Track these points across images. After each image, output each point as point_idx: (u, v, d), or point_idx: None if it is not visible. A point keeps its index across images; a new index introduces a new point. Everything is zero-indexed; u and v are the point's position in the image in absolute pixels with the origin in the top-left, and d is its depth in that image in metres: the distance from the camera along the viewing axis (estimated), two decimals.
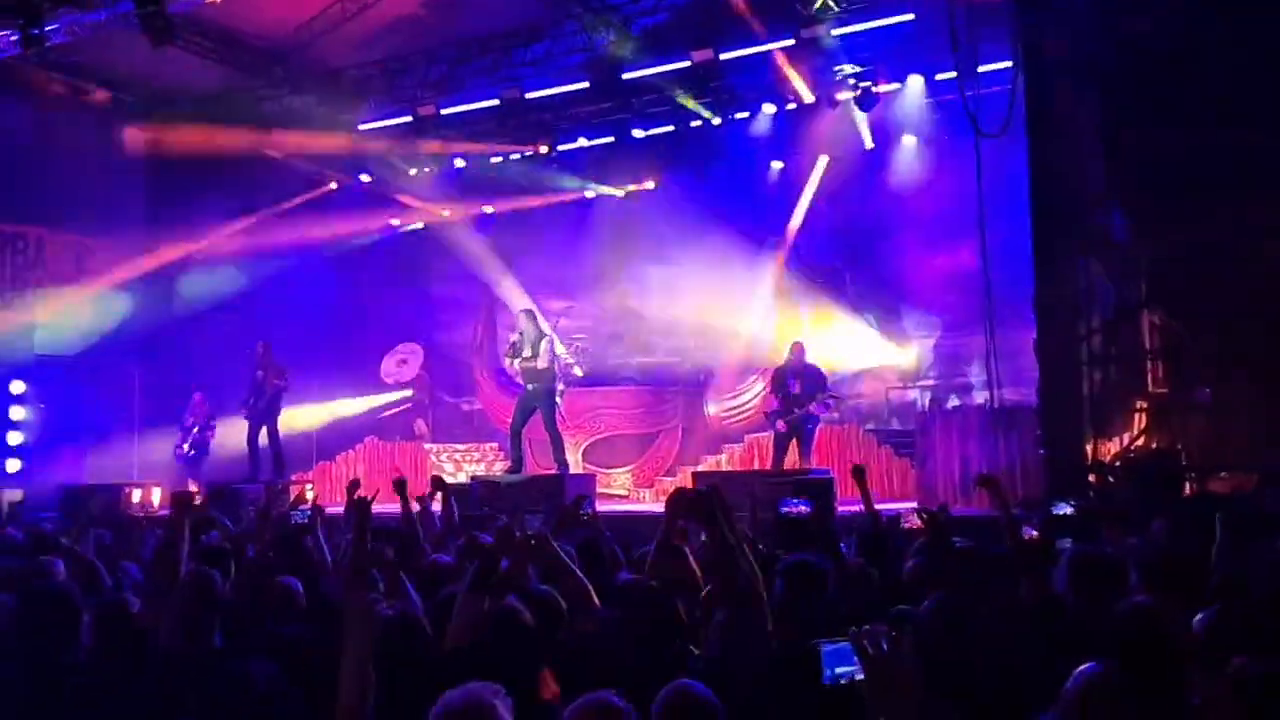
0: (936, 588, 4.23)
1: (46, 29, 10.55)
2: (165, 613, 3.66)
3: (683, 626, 3.69)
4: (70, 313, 13.32)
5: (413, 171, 16.06)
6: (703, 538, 4.22)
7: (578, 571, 4.46)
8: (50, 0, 10.46)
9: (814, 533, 5.11)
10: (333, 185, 16.12)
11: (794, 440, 11.05)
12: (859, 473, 6.33)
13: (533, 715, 2.79)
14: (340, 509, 7.85)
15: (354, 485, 6.72)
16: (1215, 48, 8.19)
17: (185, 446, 13.00)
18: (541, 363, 10.89)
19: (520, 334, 11.01)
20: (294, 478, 12.76)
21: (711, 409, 14.50)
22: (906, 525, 5.72)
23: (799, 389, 10.92)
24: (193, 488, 11.55)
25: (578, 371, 13.07)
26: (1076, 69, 8.78)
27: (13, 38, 10.68)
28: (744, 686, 2.78)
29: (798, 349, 11.33)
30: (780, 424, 11.04)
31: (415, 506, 6.61)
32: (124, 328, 13.62)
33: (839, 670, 2.21)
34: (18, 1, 10.43)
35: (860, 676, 2.13)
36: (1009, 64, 8.91)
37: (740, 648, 3.38)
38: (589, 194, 16.14)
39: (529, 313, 11.43)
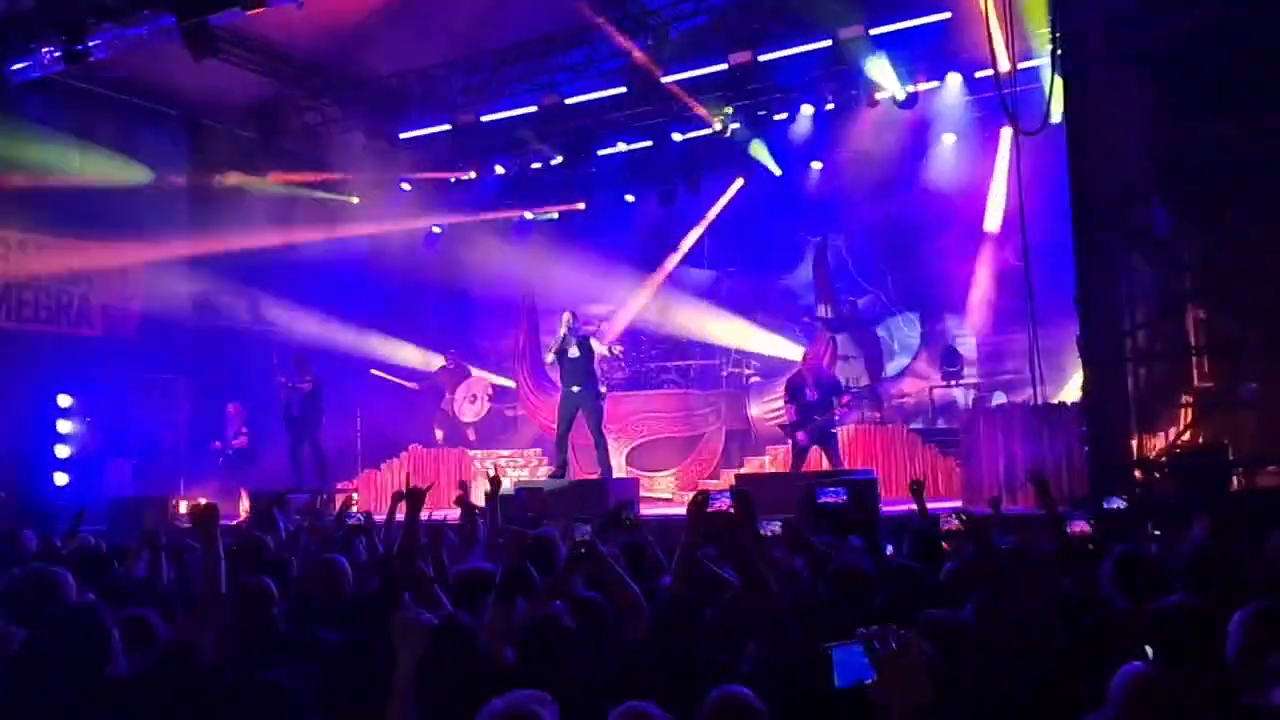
0: (976, 589, 4.24)
1: (90, 44, 10.70)
2: (206, 627, 3.68)
3: (708, 633, 3.68)
4: (115, 327, 13.56)
5: (453, 179, 16.16)
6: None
7: (626, 578, 4.49)
8: (94, 15, 10.61)
9: (853, 522, 5.10)
10: (355, 199, 16.11)
11: (817, 449, 10.98)
12: (918, 488, 6.37)
13: None
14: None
15: (399, 496, 6.78)
16: (1258, 36, 8.08)
17: (222, 457, 13.22)
18: (583, 360, 10.89)
19: (567, 331, 11.04)
20: (339, 486, 12.90)
21: (754, 410, 14.51)
22: (945, 528, 5.69)
23: (816, 397, 10.86)
24: (243, 499, 11.70)
25: (616, 350, 12.66)
26: (1116, 62, 8.69)
27: (55, 54, 10.85)
28: (758, 692, 2.77)
29: (810, 358, 11.31)
30: (801, 435, 10.95)
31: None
32: (171, 339, 13.80)
33: (851, 673, 2.18)
34: (60, 18, 10.61)
35: (871, 679, 2.09)
36: (1045, 60, 8.82)
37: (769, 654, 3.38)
38: (628, 199, 16.19)
39: (574, 313, 11.46)
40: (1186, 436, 8.91)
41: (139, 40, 10.94)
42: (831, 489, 5.40)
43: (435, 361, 16.59)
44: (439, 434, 15.93)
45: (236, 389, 13.91)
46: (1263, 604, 3.03)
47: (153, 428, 13.48)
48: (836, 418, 10.85)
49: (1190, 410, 9.11)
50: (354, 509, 7.77)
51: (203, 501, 11.40)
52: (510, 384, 16.80)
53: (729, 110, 13.67)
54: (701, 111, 13.44)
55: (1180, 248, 9.13)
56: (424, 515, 5.06)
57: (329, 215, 15.52)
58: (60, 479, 12.71)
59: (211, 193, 13.98)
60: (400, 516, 5.81)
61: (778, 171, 14.75)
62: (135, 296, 13.88)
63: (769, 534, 5.44)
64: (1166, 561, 4.42)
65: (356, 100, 14.20)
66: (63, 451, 12.87)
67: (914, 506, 6.46)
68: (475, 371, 16.38)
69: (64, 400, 12.94)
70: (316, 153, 14.96)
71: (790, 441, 11.28)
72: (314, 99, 14.39)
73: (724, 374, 14.91)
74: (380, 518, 7.08)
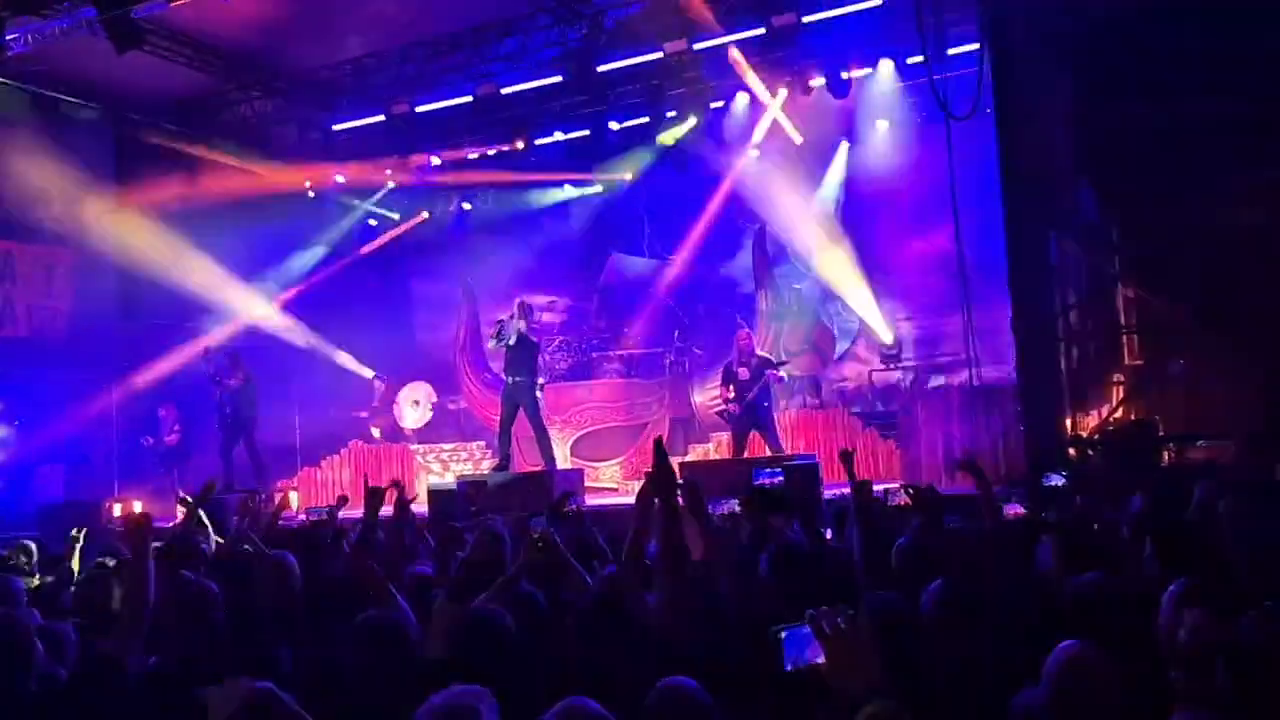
0: (927, 569, 4.28)
1: (6, 38, 10.40)
2: (131, 638, 3.58)
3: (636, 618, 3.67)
4: (43, 329, 13.24)
5: (388, 171, 15.95)
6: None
7: (580, 569, 4.48)
8: (9, 8, 10.31)
9: (787, 502, 5.13)
10: (310, 192, 15.92)
11: (755, 431, 11.05)
12: (846, 457, 6.34)
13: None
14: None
15: (343, 500, 6.71)
16: (1182, 21, 8.25)
17: (155, 454, 12.96)
18: (524, 351, 10.85)
19: (509, 317, 10.98)
20: (278, 484, 12.72)
21: (698, 398, 14.54)
22: (894, 503, 5.73)
23: (747, 375, 10.95)
24: (179, 498, 11.47)
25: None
26: (1043, 48, 8.83)
27: None
28: (702, 676, 2.77)
29: (743, 338, 11.40)
30: (731, 408, 11.05)
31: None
32: (98, 341, 13.49)
33: (799, 654, 2.19)
34: None
35: (820, 660, 2.11)
36: (977, 46, 8.94)
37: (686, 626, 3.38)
38: (567, 188, 16.12)
39: (522, 303, 11.39)
40: (1119, 414, 9.11)
41: (60, 33, 10.67)
42: (768, 471, 5.42)
43: (366, 372, 16.44)
44: (375, 431, 15.79)
45: (168, 390, 13.61)
46: (1190, 580, 3.10)
47: (83, 431, 13.16)
48: (764, 389, 10.87)
49: (1122, 388, 9.31)
50: (291, 511, 7.65)
51: (137, 508, 11.21)
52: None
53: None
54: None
55: (1109, 229, 9.32)
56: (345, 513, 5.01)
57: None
58: None
59: (139, 190, 13.63)
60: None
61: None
62: (62, 296, 13.55)
63: (726, 511, 5.48)
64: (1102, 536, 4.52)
65: (288, 93, 13.97)
66: None
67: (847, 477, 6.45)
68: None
69: None
70: (248, 147, 14.67)
71: (731, 427, 11.32)
72: (244, 92, 14.13)
73: (667, 362, 14.92)
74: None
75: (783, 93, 13.46)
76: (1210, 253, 8.64)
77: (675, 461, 12.32)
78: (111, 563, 4.56)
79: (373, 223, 16.86)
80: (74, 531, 5.95)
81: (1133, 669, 2.69)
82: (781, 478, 5.50)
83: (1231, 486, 4.95)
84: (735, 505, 5.66)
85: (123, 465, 13.02)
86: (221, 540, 6.68)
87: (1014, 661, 3.21)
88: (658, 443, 4.04)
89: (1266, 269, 8.44)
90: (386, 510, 5.58)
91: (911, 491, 5.03)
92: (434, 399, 15.98)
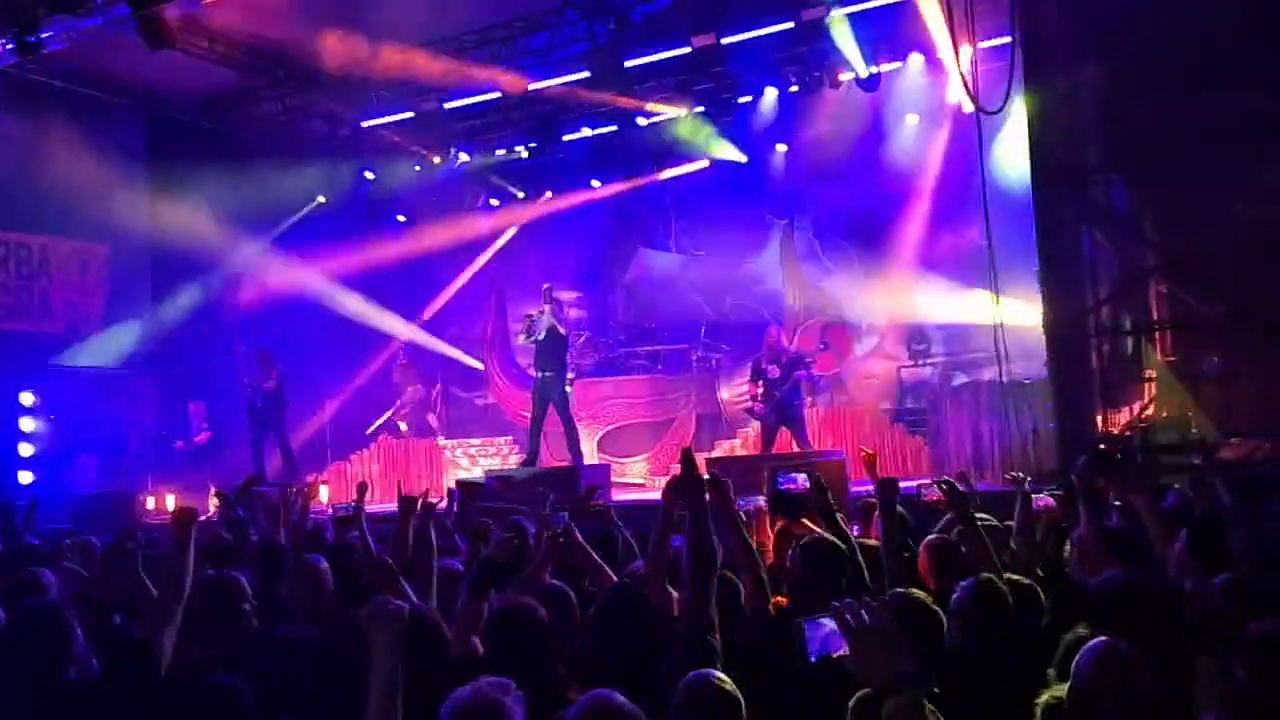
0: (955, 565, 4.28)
1: (42, 36, 10.52)
2: (165, 629, 3.59)
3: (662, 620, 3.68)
4: (78, 323, 13.39)
5: (416, 168, 16.01)
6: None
7: (604, 566, 4.49)
8: (45, 6, 10.42)
9: (814, 506, 5.12)
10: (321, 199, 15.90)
11: (784, 427, 11.02)
12: (870, 460, 6.32)
13: (549, 714, 2.79)
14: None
15: (363, 487, 6.66)
16: (1216, 13, 8.15)
17: (186, 452, 13.10)
18: (551, 344, 10.88)
19: (540, 312, 11.01)
20: (308, 478, 12.82)
21: (724, 394, 14.54)
22: (927, 498, 5.67)
23: (777, 374, 10.91)
24: (212, 493, 11.59)
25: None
26: (1075, 40, 8.75)
27: (8, 45, 10.65)
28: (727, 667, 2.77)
29: (772, 334, 11.38)
30: (757, 407, 11.00)
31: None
32: (133, 336, 13.64)
33: (823, 646, 2.19)
34: (11, 8, 10.41)
35: (844, 651, 2.11)
36: (1008, 39, 8.87)
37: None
38: (594, 184, 16.13)
39: (550, 291, 11.40)
40: (1150, 410, 9.02)
41: (93, 31, 10.77)
42: (791, 475, 5.39)
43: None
44: (403, 426, 15.88)
45: (201, 384, 13.76)
46: (1231, 576, 3.08)
47: (117, 424, 13.31)
48: (795, 388, 10.85)
49: (1154, 384, 9.22)
50: (323, 505, 7.69)
51: (170, 502, 11.33)
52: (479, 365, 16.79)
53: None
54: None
55: (1141, 224, 9.23)
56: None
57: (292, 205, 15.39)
58: (25, 477, 12.53)
59: (172, 186, 13.75)
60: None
61: (743, 158, 14.82)
62: (97, 291, 13.69)
63: (751, 508, 5.46)
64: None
65: (317, 89, 14.04)
66: (26, 450, 12.68)
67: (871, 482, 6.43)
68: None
69: (26, 398, 12.76)
70: (277, 143, 14.78)
71: (760, 423, 11.31)
72: (274, 88, 14.22)
73: (694, 358, 14.92)
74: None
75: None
76: (1244, 249, 8.53)
77: (701, 457, 12.38)
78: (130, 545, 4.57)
79: (401, 218, 16.89)
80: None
81: (1164, 666, 2.67)
82: (806, 480, 5.46)
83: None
84: (760, 501, 5.64)
85: (156, 459, 13.17)
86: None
87: (1040, 658, 3.21)
88: (686, 452, 4.06)
89: None
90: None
91: (945, 487, 4.98)
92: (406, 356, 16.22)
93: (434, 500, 5.19)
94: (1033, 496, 5.25)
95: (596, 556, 4.52)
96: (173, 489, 12.14)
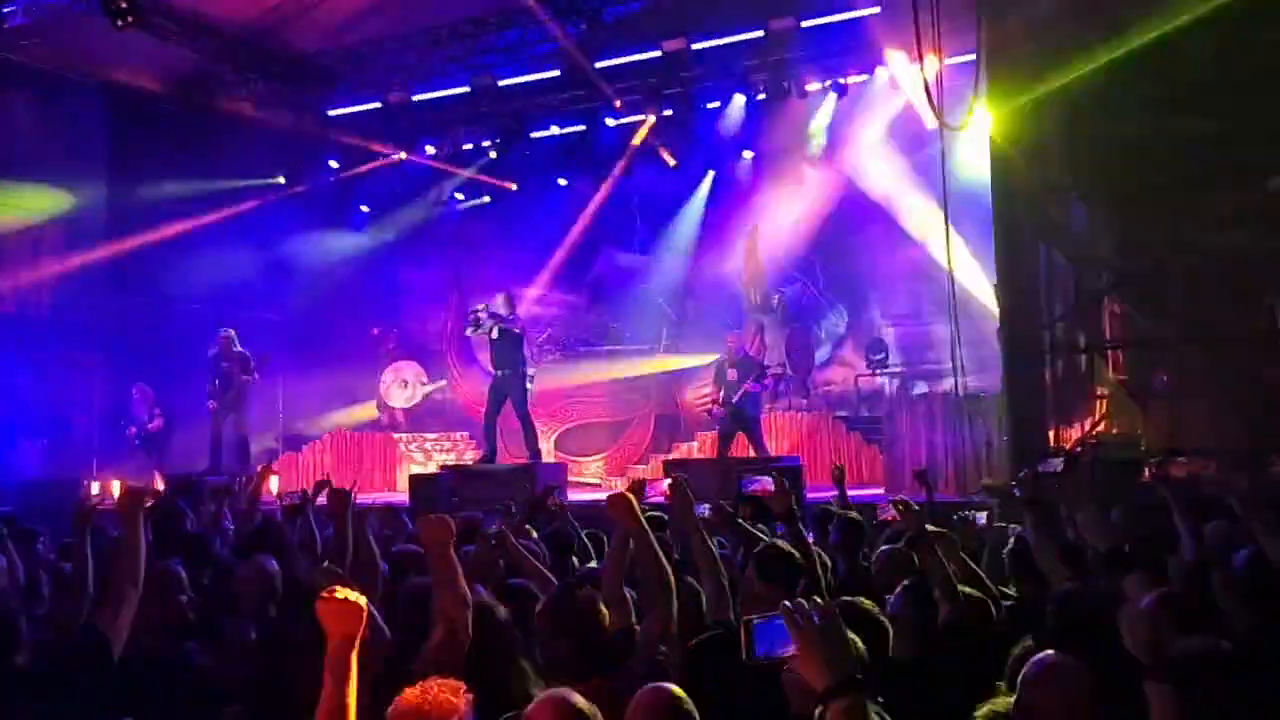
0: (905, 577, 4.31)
1: (4, 10, 10.34)
2: (121, 614, 3.53)
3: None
4: (27, 304, 13.15)
5: (382, 159, 15.90)
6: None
7: (542, 568, 4.48)
8: None
9: (778, 512, 5.15)
10: (282, 180, 15.73)
11: (740, 432, 11.08)
12: (840, 474, 6.45)
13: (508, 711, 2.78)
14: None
15: (322, 484, 6.52)
16: (1175, 38, 8.29)
17: (138, 440, 12.84)
18: (507, 343, 10.84)
19: (484, 307, 10.97)
20: (259, 469, 12.62)
21: (687, 395, 14.57)
22: (882, 517, 5.72)
23: (735, 377, 10.99)
24: (158, 481, 11.42)
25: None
26: (1038, 61, 8.86)
27: None
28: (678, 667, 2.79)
29: (732, 340, 11.47)
30: (715, 409, 11.10)
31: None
32: (82, 317, 13.41)
33: (771, 645, 2.21)
34: None
35: (792, 651, 2.12)
36: (973, 57, 8.97)
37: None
38: (561, 182, 16.11)
39: (509, 295, 11.38)
40: (1101, 427, 9.17)
41: (57, 8, 10.61)
42: (757, 478, 5.42)
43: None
44: (381, 416, 15.80)
45: (152, 368, 13.48)
46: (1166, 591, 3.13)
47: (65, 408, 13.08)
48: (747, 389, 10.91)
49: (1105, 401, 9.37)
50: (271, 495, 7.58)
51: (115, 488, 11.12)
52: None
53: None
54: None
55: (1097, 242, 9.38)
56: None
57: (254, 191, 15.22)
58: None
59: (131, 167, 13.55)
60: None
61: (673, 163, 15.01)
62: (48, 272, 13.44)
63: (700, 516, 5.44)
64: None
65: (284, 76, 13.91)
66: None
67: (836, 493, 6.52)
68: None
69: None
70: (241, 128, 14.61)
71: (718, 427, 11.36)
72: (240, 74, 14.06)
73: (653, 359, 14.94)
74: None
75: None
76: (1199, 270, 8.70)
77: (659, 459, 12.41)
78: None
79: (364, 209, 16.78)
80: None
81: (1107, 681, 2.71)
82: (771, 483, 5.51)
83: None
84: (706, 510, 5.57)
85: (102, 445, 12.95)
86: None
87: (982, 668, 3.26)
88: (679, 482, 4.19)
89: (1248, 288, 8.52)
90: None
91: (900, 507, 5.03)
92: (424, 380, 15.95)
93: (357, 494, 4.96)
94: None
95: (533, 560, 4.49)
96: (119, 474, 11.92)
